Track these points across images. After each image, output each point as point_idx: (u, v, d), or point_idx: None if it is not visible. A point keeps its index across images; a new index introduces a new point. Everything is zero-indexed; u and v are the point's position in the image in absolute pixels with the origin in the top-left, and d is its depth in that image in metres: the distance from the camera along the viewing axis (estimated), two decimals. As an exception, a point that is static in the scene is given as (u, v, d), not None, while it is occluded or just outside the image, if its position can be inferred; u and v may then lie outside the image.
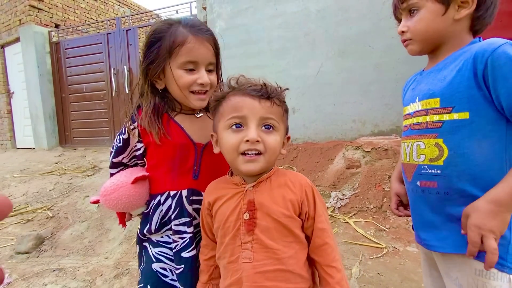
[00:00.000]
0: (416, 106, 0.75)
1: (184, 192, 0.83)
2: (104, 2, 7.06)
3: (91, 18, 6.70)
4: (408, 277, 1.56)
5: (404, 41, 0.81)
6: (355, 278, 1.57)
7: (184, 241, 0.82)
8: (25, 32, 5.48)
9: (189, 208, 0.83)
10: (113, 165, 0.91)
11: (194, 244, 0.82)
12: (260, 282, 0.62)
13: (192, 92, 0.81)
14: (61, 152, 5.19)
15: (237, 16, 3.76)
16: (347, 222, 2.22)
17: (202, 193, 0.83)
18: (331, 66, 3.29)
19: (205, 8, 4.04)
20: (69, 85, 5.50)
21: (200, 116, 0.89)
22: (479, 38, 0.72)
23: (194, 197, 0.84)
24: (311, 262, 0.69)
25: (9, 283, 1.82)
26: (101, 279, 1.82)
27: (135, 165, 0.93)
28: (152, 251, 0.86)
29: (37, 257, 2.21)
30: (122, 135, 0.87)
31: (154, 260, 0.85)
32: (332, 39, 3.27)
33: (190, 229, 0.82)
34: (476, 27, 0.72)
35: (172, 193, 0.83)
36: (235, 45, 3.72)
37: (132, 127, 0.85)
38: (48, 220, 2.74)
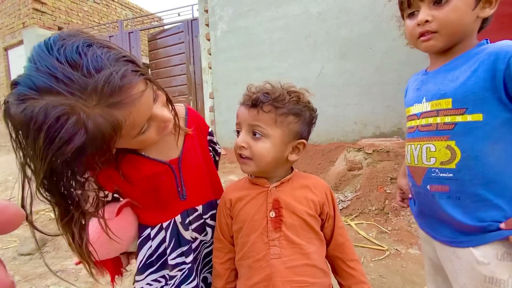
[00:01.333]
0: (424, 106, 0.72)
1: (178, 218, 0.73)
2: (107, 5, 7.12)
3: (94, 20, 6.76)
4: (410, 279, 1.55)
5: (423, 34, 0.69)
6: (357, 280, 1.57)
7: (183, 273, 0.72)
8: (29, 35, 5.54)
9: (187, 234, 0.73)
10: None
11: (194, 274, 0.72)
12: (290, 277, 0.64)
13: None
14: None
15: (238, 18, 3.78)
16: (349, 224, 2.21)
17: (197, 208, 0.77)
18: (332, 68, 3.30)
19: (206, 11, 4.06)
20: (71, 87, 5.54)
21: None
22: (486, 40, 0.70)
23: (191, 217, 0.75)
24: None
25: (12, 284, 1.83)
26: (103, 280, 1.83)
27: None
28: None
29: (40, 258, 2.22)
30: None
31: None
32: (333, 41, 3.28)
33: (190, 258, 0.72)
34: (481, 28, 0.71)
35: (164, 224, 0.73)
36: (236, 47, 3.73)
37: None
38: (50, 221, 2.76)
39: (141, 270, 0.73)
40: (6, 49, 6.22)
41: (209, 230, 0.79)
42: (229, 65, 3.85)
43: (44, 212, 2.91)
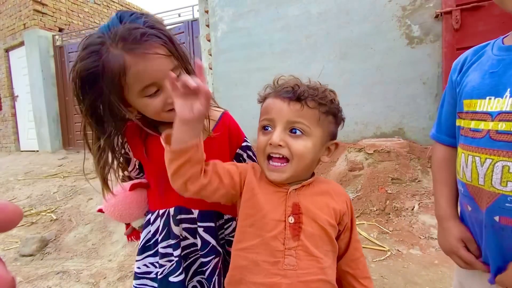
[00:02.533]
0: (506, 103, 0.50)
1: (172, 211, 0.76)
2: (107, 6, 7.13)
3: (94, 22, 6.77)
4: (412, 280, 1.55)
5: None
6: (359, 281, 1.56)
7: (171, 265, 0.74)
8: (29, 36, 5.55)
9: (176, 229, 0.75)
10: (123, 179, 0.86)
11: (182, 268, 0.74)
12: None
13: (170, 110, 0.66)
14: (64, 155, 5.23)
15: (239, 19, 3.78)
16: (350, 225, 2.21)
17: (193, 210, 0.76)
18: (332, 69, 3.30)
19: (207, 12, 4.07)
20: (72, 88, 5.55)
21: None
22: None
23: (183, 216, 0.76)
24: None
25: (13, 285, 1.83)
26: (104, 281, 1.83)
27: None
28: (134, 282, 0.80)
29: (41, 259, 2.22)
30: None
31: None
32: (333, 41, 3.28)
33: (177, 252, 0.74)
34: None
35: (161, 212, 0.78)
36: (237, 48, 3.73)
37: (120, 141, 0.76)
38: (52, 222, 2.76)
39: (140, 251, 0.79)
40: (7, 51, 6.23)
41: (199, 239, 0.76)
42: (229, 65, 3.85)
43: (46, 213, 2.92)
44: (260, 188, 0.63)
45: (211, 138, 0.77)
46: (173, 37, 0.66)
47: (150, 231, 0.79)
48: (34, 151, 5.84)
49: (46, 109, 5.52)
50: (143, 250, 0.79)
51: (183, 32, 4.87)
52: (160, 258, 0.75)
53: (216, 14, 3.94)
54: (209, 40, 4.09)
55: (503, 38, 0.61)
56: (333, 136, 0.66)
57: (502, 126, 0.51)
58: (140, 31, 0.60)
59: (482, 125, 0.54)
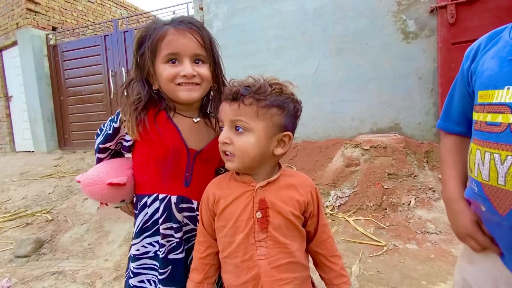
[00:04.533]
0: None
1: (174, 198, 0.80)
2: (101, 4, 7.05)
3: (88, 20, 6.70)
4: (408, 274, 1.55)
5: None
6: (355, 276, 1.56)
7: (171, 244, 0.79)
8: (23, 35, 5.48)
9: (178, 216, 0.80)
10: (100, 151, 0.88)
11: (182, 247, 0.80)
12: (276, 275, 0.67)
13: (179, 84, 0.78)
14: (60, 155, 5.19)
15: (234, 16, 3.75)
16: (347, 221, 2.21)
17: (193, 201, 0.82)
18: (328, 65, 3.29)
19: (202, 9, 4.03)
20: (67, 87, 5.50)
21: (197, 121, 0.86)
22: None
23: (184, 205, 0.81)
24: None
25: (8, 287, 1.81)
26: (100, 281, 1.82)
27: (120, 150, 0.91)
28: (131, 266, 0.83)
29: (37, 260, 2.20)
30: (114, 123, 0.83)
31: (132, 276, 0.82)
32: (329, 37, 3.26)
33: (178, 235, 0.79)
34: None
35: (161, 196, 0.80)
36: (232, 45, 3.71)
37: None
38: (47, 223, 2.74)
39: (137, 234, 0.81)
40: (0, 51, 6.16)
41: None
42: (225, 63, 3.76)
43: (41, 214, 2.89)
44: (228, 196, 0.70)
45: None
46: (213, 39, 0.85)
47: (147, 213, 0.81)
48: (30, 151, 5.79)
49: (40, 109, 5.45)
50: (141, 232, 0.81)
51: (178, 29, 4.83)
52: (161, 239, 0.79)
53: (211, 11, 3.91)
54: (204, 38, 4.05)
55: None
56: (284, 127, 0.68)
57: None
58: (189, 19, 0.81)
59: (500, 118, 0.49)
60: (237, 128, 0.66)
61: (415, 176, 2.45)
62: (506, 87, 0.48)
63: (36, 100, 5.48)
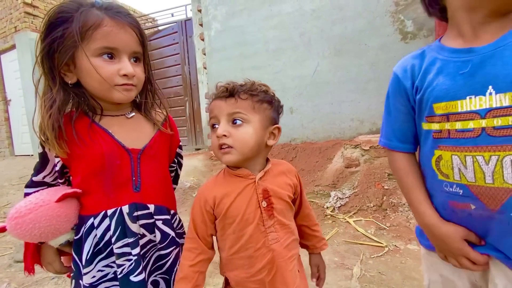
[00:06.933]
0: (494, 100, 0.52)
1: (125, 209, 0.70)
2: (100, 7, 7.06)
3: (87, 23, 6.70)
4: (410, 275, 1.55)
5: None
6: (356, 278, 1.55)
7: (130, 264, 0.70)
8: (21, 39, 5.48)
9: (134, 227, 0.71)
10: (32, 184, 0.75)
11: (141, 267, 0.70)
12: (288, 253, 0.74)
13: (116, 85, 0.68)
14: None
15: (232, 17, 3.76)
16: (347, 222, 2.21)
17: (149, 205, 0.74)
18: (327, 65, 3.29)
19: (200, 11, 4.04)
20: (66, 91, 5.49)
21: (131, 116, 0.77)
22: None
23: (139, 212, 0.72)
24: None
25: (8, 292, 1.80)
26: (100, 285, 1.81)
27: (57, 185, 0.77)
28: None
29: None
30: (38, 149, 0.72)
31: None
32: (327, 38, 3.26)
33: (136, 251, 0.70)
34: None
35: (109, 212, 0.70)
36: (230, 47, 3.71)
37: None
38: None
39: (89, 261, 0.70)
40: (-2, 54, 6.16)
41: (158, 233, 0.75)
42: (224, 64, 3.83)
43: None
44: (231, 193, 0.72)
45: (164, 135, 0.82)
46: (146, 39, 0.76)
47: (96, 235, 0.70)
48: (29, 155, 5.78)
49: (39, 112, 5.45)
50: (93, 256, 0.70)
51: (176, 32, 4.84)
52: (117, 258, 0.70)
53: (209, 13, 3.91)
54: (202, 39, 4.06)
55: (439, 40, 0.63)
56: (274, 121, 0.75)
57: (498, 122, 0.52)
58: (125, 10, 0.71)
59: (471, 124, 0.54)
60: (235, 121, 0.70)
61: (415, 176, 2.45)
62: (468, 97, 0.54)
63: (34, 104, 5.47)
